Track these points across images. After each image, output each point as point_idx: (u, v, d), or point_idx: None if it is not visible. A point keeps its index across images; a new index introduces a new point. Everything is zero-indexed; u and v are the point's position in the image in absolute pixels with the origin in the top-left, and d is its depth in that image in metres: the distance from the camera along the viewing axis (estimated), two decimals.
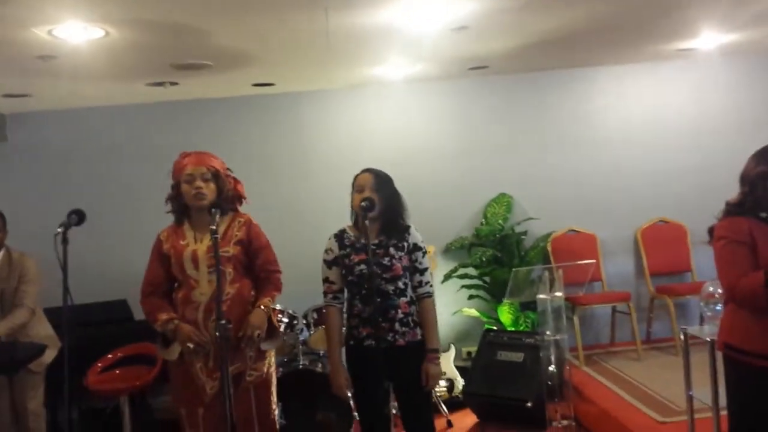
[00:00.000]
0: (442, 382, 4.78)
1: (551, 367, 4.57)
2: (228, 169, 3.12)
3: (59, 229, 2.64)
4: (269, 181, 5.50)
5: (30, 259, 3.84)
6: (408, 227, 3.03)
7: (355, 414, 4.02)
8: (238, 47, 3.86)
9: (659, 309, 5.46)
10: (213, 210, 2.86)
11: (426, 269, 3.00)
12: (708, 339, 3.07)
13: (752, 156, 2.53)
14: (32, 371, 3.72)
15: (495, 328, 5.21)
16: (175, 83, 4.71)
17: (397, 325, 2.92)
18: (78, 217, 2.75)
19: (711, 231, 2.59)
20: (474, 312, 5.46)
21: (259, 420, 2.99)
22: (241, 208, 3.17)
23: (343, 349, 3.06)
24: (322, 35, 3.60)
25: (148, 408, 4.69)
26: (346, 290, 3.03)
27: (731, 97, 5.77)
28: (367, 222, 2.87)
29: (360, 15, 3.37)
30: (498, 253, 5.44)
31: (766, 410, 2.44)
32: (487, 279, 5.48)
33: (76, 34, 3.26)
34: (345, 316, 3.06)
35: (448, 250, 5.61)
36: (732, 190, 2.60)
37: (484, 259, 5.41)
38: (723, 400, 2.75)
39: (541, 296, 4.63)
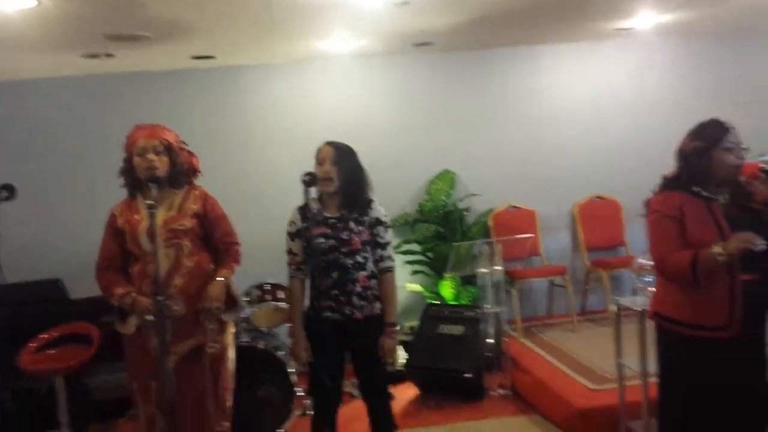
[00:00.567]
0: None
1: (490, 340, 4.71)
2: (183, 142, 3.07)
3: None
4: (213, 156, 5.33)
5: None
6: (370, 201, 3.04)
7: (297, 389, 4.05)
8: (174, 18, 3.76)
9: (594, 282, 5.66)
10: (150, 184, 2.84)
11: (387, 243, 3.03)
12: (638, 309, 3.21)
13: (688, 132, 2.62)
14: None
15: (437, 302, 5.31)
16: (111, 55, 4.57)
17: (355, 299, 2.95)
18: (8, 192, 2.65)
19: (647, 204, 2.68)
20: (417, 287, 5.54)
21: (214, 394, 2.98)
22: None
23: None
24: (263, 7, 3.53)
25: (84, 388, 4.61)
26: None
27: (668, 76, 5.96)
28: (311, 196, 2.89)
29: None
30: (441, 229, 5.52)
31: (693, 377, 2.56)
32: (430, 255, 5.56)
33: (7, 2, 3.13)
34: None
35: (391, 226, 5.63)
36: (666, 168, 2.69)
37: (427, 234, 5.48)
38: (653, 368, 2.88)
39: (481, 270, 4.75)
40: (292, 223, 3.05)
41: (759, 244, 2.33)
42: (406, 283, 5.56)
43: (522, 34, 5.29)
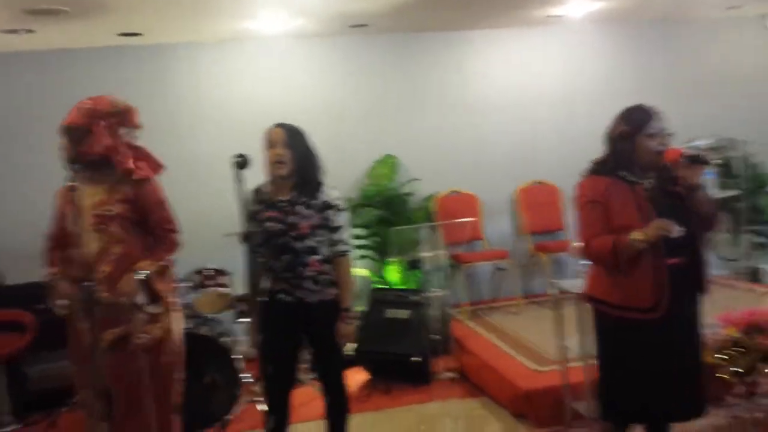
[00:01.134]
0: None
1: (436, 323, 4.75)
2: (107, 120, 2.90)
3: None
4: (143, 138, 5.16)
5: None
6: (320, 185, 2.97)
7: (243, 375, 3.99)
8: None
9: (536, 266, 5.78)
10: (72, 166, 2.80)
11: (339, 227, 2.96)
12: (576, 292, 3.27)
13: (616, 116, 2.64)
14: None
15: (383, 286, 5.30)
16: (31, 31, 4.35)
17: (306, 283, 2.91)
18: None
19: (576, 188, 2.71)
20: (363, 272, 5.52)
21: (154, 385, 2.88)
22: None
23: None
24: None
25: (23, 377, 4.44)
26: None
27: (601, 63, 6.11)
28: (278, 178, 2.87)
29: None
30: (385, 214, 5.51)
31: (626, 357, 2.63)
32: (375, 239, 5.55)
33: None
34: None
35: (345, 209, 5.58)
36: (599, 153, 2.72)
37: (371, 219, 5.46)
38: (593, 350, 2.95)
39: (425, 254, 4.78)
40: (248, 204, 3.00)
41: (675, 231, 2.38)
42: (353, 268, 5.52)
43: (457, 18, 5.31)
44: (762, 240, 6.10)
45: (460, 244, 5.33)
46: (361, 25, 5.12)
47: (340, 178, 5.60)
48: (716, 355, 3.72)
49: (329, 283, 2.96)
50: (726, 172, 5.84)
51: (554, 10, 5.16)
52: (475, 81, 5.90)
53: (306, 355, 3.17)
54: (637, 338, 2.58)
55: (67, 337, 2.98)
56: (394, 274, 5.41)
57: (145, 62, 5.27)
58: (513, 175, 5.93)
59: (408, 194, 5.69)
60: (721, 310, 3.97)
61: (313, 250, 2.91)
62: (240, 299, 4.47)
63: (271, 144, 2.90)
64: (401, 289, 5.21)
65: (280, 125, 2.95)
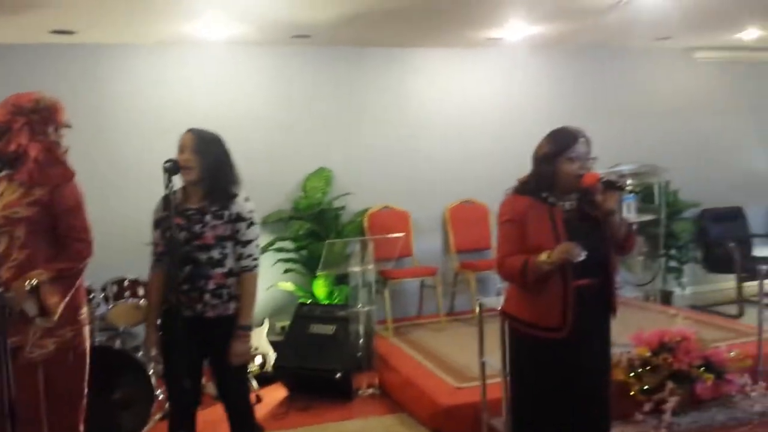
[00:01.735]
0: (257, 358, 4.73)
1: (360, 339, 4.73)
2: (27, 117, 2.76)
3: None
4: (68, 140, 5.01)
5: None
6: (233, 195, 2.87)
7: (157, 391, 3.86)
8: None
9: (462, 283, 5.85)
10: None
11: (249, 242, 2.85)
12: (499, 309, 3.32)
13: (544, 137, 2.68)
14: None
15: (309, 301, 5.25)
16: None
17: (207, 296, 2.80)
18: None
19: (499, 207, 2.74)
20: (289, 286, 5.45)
21: (49, 402, 2.72)
22: None
23: None
24: None
25: None
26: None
27: (533, 86, 6.27)
28: (171, 185, 2.73)
29: None
30: (316, 227, 5.47)
31: (535, 374, 2.67)
32: (303, 253, 5.49)
33: None
34: None
35: (265, 223, 5.52)
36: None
37: (301, 232, 5.41)
38: None
39: (354, 269, 4.76)
40: (155, 211, 2.91)
41: (577, 255, 2.42)
42: (279, 282, 5.45)
43: (398, 35, 5.38)
44: (675, 264, 6.37)
45: (389, 260, 5.34)
46: (304, 36, 5.11)
47: (274, 190, 5.61)
48: (627, 374, 3.84)
49: (231, 297, 2.84)
50: (646, 197, 6.08)
51: (493, 33, 5.28)
52: (414, 98, 5.97)
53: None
54: (545, 356, 2.61)
55: None
56: (321, 288, 5.36)
57: (79, 62, 5.10)
58: (444, 193, 6.00)
59: (340, 208, 5.67)
60: (634, 331, 4.11)
61: (218, 263, 2.80)
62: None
63: (180, 149, 2.83)
64: (327, 305, 5.17)
65: (191, 130, 2.87)
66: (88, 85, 5.12)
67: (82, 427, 2.86)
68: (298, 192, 5.65)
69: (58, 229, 2.77)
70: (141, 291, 4.27)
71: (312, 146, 5.68)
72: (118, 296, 4.22)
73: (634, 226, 2.79)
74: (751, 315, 5.59)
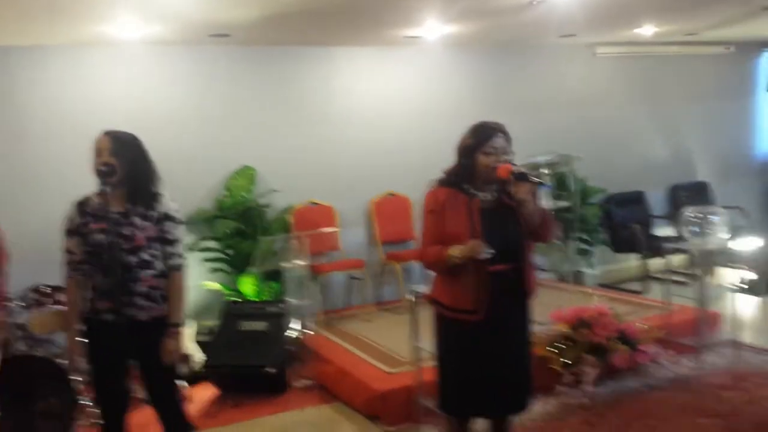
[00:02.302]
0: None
1: (293, 333, 4.77)
2: None
3: None
4: None
5: None
6: (157, 195, 2.85)
7: (81, 398, 3.75)
8: None
9: (389, 274, 5.99)
10: None
11: (176, 241, 2.85)
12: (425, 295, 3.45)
13: (466, 131, 2.81)
14: None
15: (237, 299, 5.23)
16: None
17: (138, 299, 2.77)
18: None
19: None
20: (216, 285, 5.42)
21: None
22: None
23: None
24: None
25: None
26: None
27: (451, 83, 6.48)
28: (107, 189, 2.69)
29: None
30: (241, 226, 5.45)
31: (455, 354, 2.81)
32: (229, 251, 5.47)
33: None
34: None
35: (189, 223, 5.45)
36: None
37: (226, 231, 5.39)
38: None
39: (287, 265, 4.79)
40: (69, 219, 2.81)
41: (482, 253, 2.59)
42: (204, 282, 5.40)
43: (317, 34, 5.42)
44: (585, 247, 6.77)
45: (318, 255, 5.41)
46: (223, 35, 5.06)
47: (196, 189, 5.54)
48: (548, 348, 4.09)
49: (162, 298, 2.83)
50: (559, 185, 6.43)
51: (410, 32, 5.42)
52: (335, 96, 6.03)
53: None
54: (464, 337, 2.77)
55: None
56: (249, 286, 5.35)
57: None
58: (368, 187, 6.11)
59: (265, 206, 5.67)
60: (553, 309, 4.38)
61: (148, 265, 2.78)
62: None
63: (97, 152, 2.76)
64: (258, 301, 5.18)
65: (107, 132, 2.80)
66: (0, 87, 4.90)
67: None
68: (221, 191, 5.61)
69: None
70: (61, 297, 4.15)
71: (234, 145, 5.65)
72: (38, 303, 4.10)
73: (552, 214, 2.94)
74: (655, 290, 6.05)
